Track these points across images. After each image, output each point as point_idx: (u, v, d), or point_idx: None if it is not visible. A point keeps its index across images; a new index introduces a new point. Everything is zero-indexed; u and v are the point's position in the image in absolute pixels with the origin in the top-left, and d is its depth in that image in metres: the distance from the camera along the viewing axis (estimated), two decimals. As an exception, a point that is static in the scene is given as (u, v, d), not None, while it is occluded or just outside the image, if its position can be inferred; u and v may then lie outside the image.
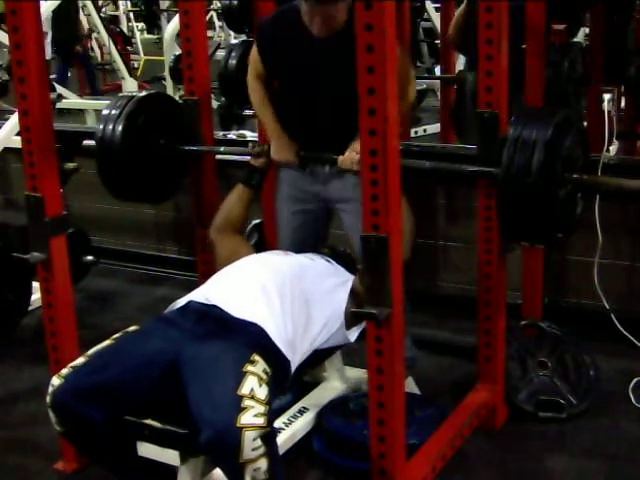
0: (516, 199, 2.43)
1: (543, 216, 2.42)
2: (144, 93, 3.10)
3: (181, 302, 2.45)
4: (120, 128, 2.90)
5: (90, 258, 3.82)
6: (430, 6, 7.20)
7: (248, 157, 2.95)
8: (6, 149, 4.16)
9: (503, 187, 2.46)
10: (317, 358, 2.58)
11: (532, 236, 2.65)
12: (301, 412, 2.71)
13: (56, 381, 2.18)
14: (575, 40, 4.26)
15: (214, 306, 2.37)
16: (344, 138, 2.67)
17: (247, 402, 1.99)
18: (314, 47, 2.68)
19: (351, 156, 2.62)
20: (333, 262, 2.71)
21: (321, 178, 2.87)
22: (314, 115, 2.79)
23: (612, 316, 3.19)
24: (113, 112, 2.94)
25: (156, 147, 3.03)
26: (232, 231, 2.85)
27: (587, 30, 4.83)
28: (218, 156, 3.41)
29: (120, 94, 3.07)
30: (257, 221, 3.57)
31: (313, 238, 2.98)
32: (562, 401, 2.90)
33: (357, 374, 2.95)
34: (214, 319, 2.33)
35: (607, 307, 3.16)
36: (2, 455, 2.85)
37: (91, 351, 2.27)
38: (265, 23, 2.89)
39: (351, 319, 2.49)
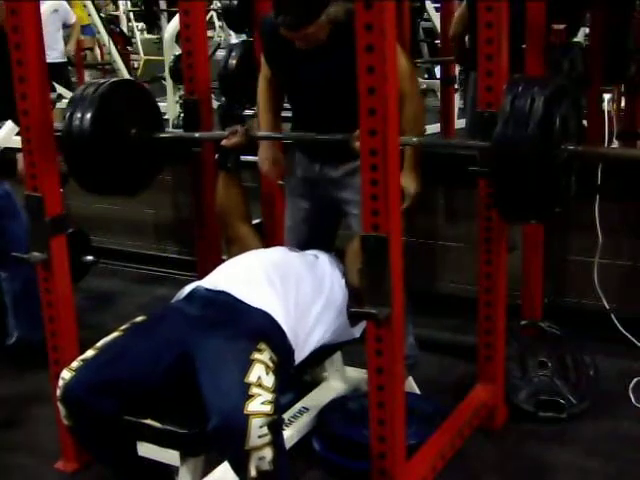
0: (511, 171, 2.27)
1: (540, 188, 2.27)
2: (112, 80, 2.88)
3: (188, 289, 2.48)
4: (88, 117, 2.66)
5: (90, 258, 3.82)
6: (430, 6, 7.19)
7: (249, 157, 2.95)
8: (6, 149, 4.16)
9: (497, 159, 2.30)
10: (322, 353, 2.59)
11: (529, 211, 2.46)
12: (301, 412, 2.71)
13: (67, 374, 2.18)
14: (575, 40, 4.26)
15: (222, 292, 2.39)
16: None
17: (254, 390, 2.02)
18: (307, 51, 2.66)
19: None
20: (336, 260, 2.71)
21: (333, 180, 2.87)
22: (312, 115, 2.79)
23: (612, 316, 3.19)
24: (80, 101, 2.71)
25: (127, 136, 2.82)
26: (237, 221, 2.81)
27: (587, 30, 4.83)
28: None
29: (87, 81, 2.91)
30: (257, 221, 3.56)
31: (320, 238, 2.97)
32: (562, 401, 2.90)
33: (357, 374, 2.95)
34: (221, 305, 2.35)
35: (607, 307, 3.17)
36: (2, 455, 2.85)
37: (100, 343, 2.27)
38: (265, 22, 2.86)
39: (352, 318, 2.50)
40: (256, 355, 2.13)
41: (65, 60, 7.33)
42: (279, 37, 2.63)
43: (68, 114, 2.67)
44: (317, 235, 2.98)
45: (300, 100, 2.88)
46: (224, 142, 2.81)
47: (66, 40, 7.36)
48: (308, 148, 2.90)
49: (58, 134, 2.67)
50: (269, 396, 2.02)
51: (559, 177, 2.33)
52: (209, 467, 2.33)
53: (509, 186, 2.32)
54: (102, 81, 2.81)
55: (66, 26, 7.23)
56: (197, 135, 3.16)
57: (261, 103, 3.00)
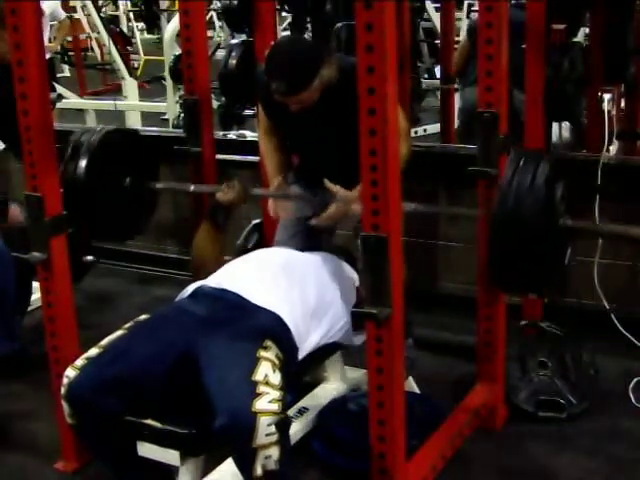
0: (509, 250, 2.30)
1: (537, 267, 2.31)
2: (106, 129, 2.90)
3: (191, 288, 2.47)
4: (83, 168, 2.75)
5: (90, 258, 3.82)
6: (430, 6, 7.20)
7: (249, 157, 2.94)
8: (6, 149, 4.17)
9: (495, 235, 2.34)
10: (322, 353, 2.59)
11: (523, 286, 2.55)
12: (301, 412, 2.72)
13: (71, 373, 2.18)
14: (575, 40, 4.27)
15: (226, 290, 2.39)
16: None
17: (262, 388, 2.02)
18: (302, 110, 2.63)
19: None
20: (343, 261, 2.71)
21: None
22: (315, 164, 2.81)
23: (612, 316, 3.19)
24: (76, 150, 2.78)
25: (121, 186, 2.89)
26: (210, 268, 2.63)
27: (587, 30, 4.83)
28: (218, 156, 3.41)
29: (81, 130, 2.90)
30: (257, 221, 3.56)
31: (315, 242, 2.95)
32: (562, 401, 2.90)
33: (357, 374, 2.95)
34: (226, 304, 2.35)
35: (607, 307, 3.16)
36: (2, 455, 2.85)
37: (104, 341, 2.28)
38: (260, 75, 2.74)
39: (355, 320, 2.50)
40: (262, 353, 2.13)
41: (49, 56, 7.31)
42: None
43: (64, 162, 2.75)
44: (314, 238, 2.96)
45: (299, 149, 2.89)
46: (219, 195, 2.70)
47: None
48: (310, 182, 2.86)
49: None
50: (276, 394, 2.02)
51: (556, 256, 2.39)
52: (209, 467, 2.33)
53: (506, 261, 2.35)
54: (98, 128, 2.87)
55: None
56: (192, 188, 3.14)
57: (265, 154, 2.96)
